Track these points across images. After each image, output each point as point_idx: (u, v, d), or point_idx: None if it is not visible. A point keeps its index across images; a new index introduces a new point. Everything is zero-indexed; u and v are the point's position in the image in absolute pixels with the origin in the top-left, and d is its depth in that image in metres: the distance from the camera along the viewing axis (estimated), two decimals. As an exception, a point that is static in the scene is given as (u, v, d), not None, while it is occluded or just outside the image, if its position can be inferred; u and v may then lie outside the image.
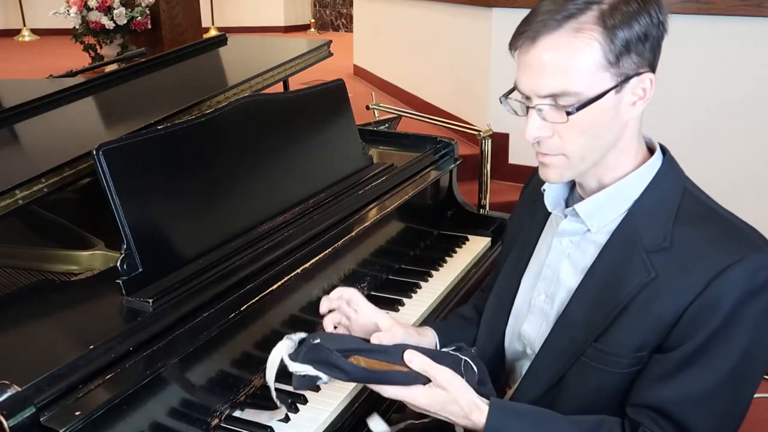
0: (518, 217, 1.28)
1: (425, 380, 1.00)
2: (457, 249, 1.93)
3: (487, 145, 2.27)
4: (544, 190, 1.12)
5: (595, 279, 1.03)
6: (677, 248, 0.97)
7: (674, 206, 1.01)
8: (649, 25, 0.94)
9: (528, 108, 0.98)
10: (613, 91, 0.95)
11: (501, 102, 1.03)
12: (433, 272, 1.79)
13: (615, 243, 1.03)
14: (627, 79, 0.95)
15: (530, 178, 1.30)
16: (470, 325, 1.30)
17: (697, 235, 0.98)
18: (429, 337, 1.23)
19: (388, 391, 1.01)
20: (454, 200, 2.07)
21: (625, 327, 0.99)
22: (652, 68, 0.98)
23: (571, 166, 1.01)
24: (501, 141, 3.27)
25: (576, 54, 0.92)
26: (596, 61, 0.93)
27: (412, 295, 1.67)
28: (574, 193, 1.11)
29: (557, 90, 0.94)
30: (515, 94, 1.01)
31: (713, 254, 0.94)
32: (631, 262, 0.99)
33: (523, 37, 0.96)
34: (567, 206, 1.11)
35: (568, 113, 0.94)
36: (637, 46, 0.94)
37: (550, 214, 1.16)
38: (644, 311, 0.97)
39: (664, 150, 1.07)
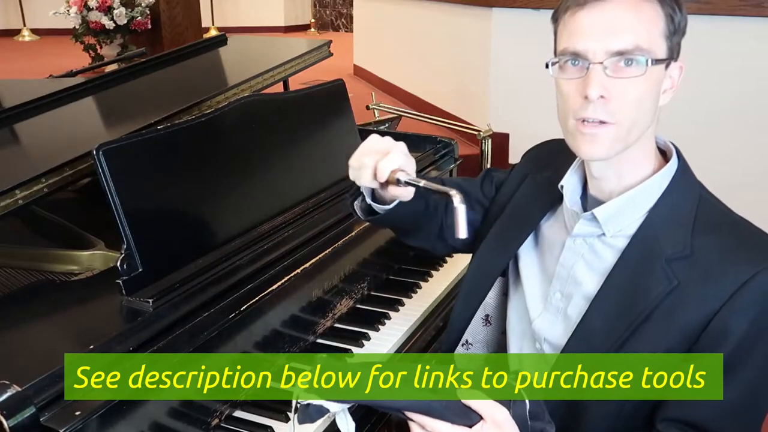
0: (514, 181, 1.25)
1: (468, 420, 0.89)
2: (457, 249, 1.93)
3: (487, 145, 2.27)
4: (561, 186, 1.10)
5: (615, 287, 1.02)
6: (698, 256, 0.97)
7: (691, 213, 1.01)
8: (682, 21, 0.98)
9: (589, 66, 0.95)
10: (664, 64, 0.97)
11: (547, 67, 1.00)
12: (433, 272, 1.79)
13: (634, 250, 1.02)
14: (672, 58, 0.98)
15: (535, 147, 1.29)
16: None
17: (718, 243, 0.98)
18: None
19: (429, 425, 0.87)
20: (454, 200, 2.07)
21: (648, 337, 0.98)
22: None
23: (620, 138, 0.97)
24: (501, 141, 3.27)
25: (649, 15, 0.95)
26: (662, 27, 0.96)
27: (412, 295, 1.67)
28: (587, 193, 1.10)
29: (630, 45, 0.94)
30: (560, 58, 0.98)
31: (738, 263, 0.95)
32: (652, 271, 0.99)
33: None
34: (583, 206, 1.10)
35: (649, 62, 0.94)
36: (680, 35, 0.99)
37: (556, 204, 1.15)
38: (668, 320, 0.97)
39: (679, 154, 1.06)
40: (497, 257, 1.20)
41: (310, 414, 0.91)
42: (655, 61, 0.95)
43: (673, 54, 0.98)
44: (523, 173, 1.25)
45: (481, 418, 0.89)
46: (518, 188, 1.23)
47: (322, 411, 0.90)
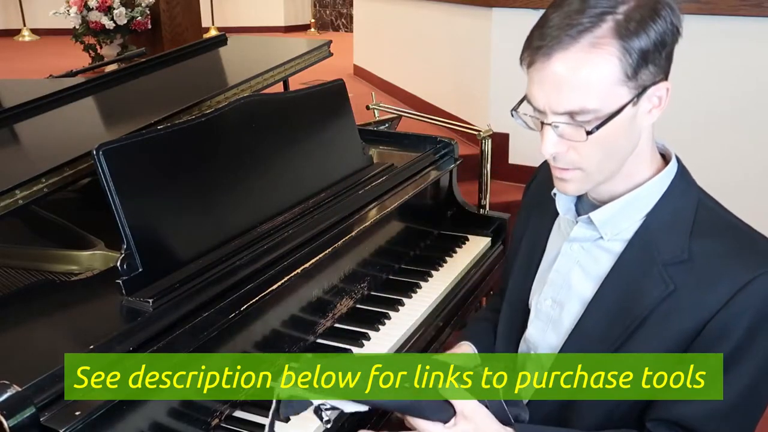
0: (522, 220, 1.26)
1: (445, 415, 0.95)
2: (457, 249, 1.93)
3: (487, 145, 2.27)
4: (554, 194, 1.10)
5: (612, 290, 1.02)
6: (695, 261, 0.97)
7: (690, 217, 1.00)
8: (664, 31, 0.91)
9: (542, 123, 0.95)
10: (630, 104, 0.92)
11: (512, 116, 1.00)
12: (433, 272, 1.79)
13: (631, 254, 1.01)
14: (644, 90, 0.93)
15: (533, 178, 1.29)
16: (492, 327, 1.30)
17: (716, 248, 0.97)
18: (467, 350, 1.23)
19: (415, 424, 0.95)
20: (454, 200, 2.07)
21: (643, 341, 0.98)
22: (666, 75, 0.95)
23: (589, 179, 0.99)
24: (501, 141, 3.27)
25: (594, 70, 0.89)
26: (614, 77, 0.90)
27: (412, 295, 1.67)
28: (583, 197, 1.10)
29: (575, 107, 0.91)
30: (526, 108, 0.98)
31: (734, 268, 0.94)
32: (649, 275, 0.99)
33: (537, 53, 0.92)
34: (577, 210, 1.10)
35: (588, 132, 0.91)
36: (654, 55, 0.91)
37: (557, 216, 1.14)
38: (663, 325, 0.97)
39: (677, 158, 1.05)
40: (521, 290, 1.20)
41: (293, 406, 0.94)
42: (608, 118, 0.91)
43: (646, 86, 0.92)
44: (528, 209, 1.25)
45: (448, 414, 0.93)
46: (528, 224, 1.23)
47: (304, 403, 0.93)
